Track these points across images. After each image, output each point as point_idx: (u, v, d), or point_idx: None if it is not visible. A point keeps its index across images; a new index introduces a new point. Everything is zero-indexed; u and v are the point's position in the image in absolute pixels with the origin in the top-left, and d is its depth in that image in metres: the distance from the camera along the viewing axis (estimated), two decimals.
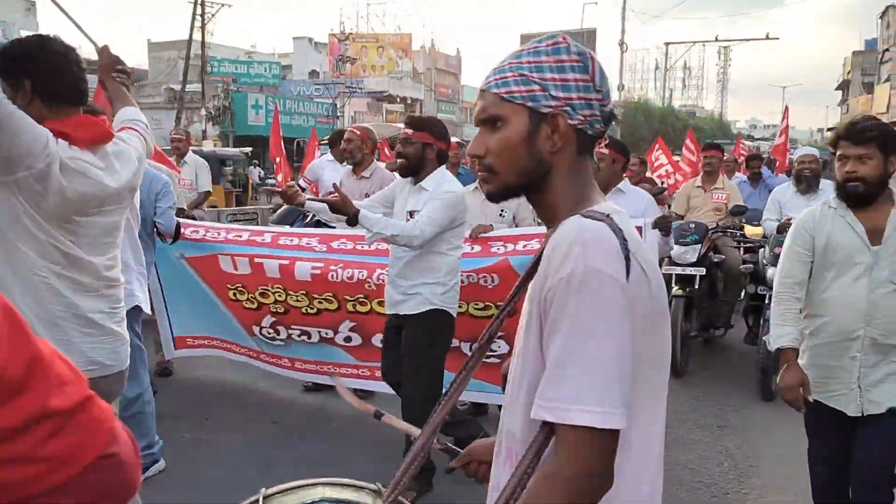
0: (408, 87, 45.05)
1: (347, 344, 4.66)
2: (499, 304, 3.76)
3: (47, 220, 2.20)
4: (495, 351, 4.22)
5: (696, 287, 6.08)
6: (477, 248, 4.41)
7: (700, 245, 6.10)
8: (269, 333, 4.86)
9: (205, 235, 5.00)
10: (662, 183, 10.75)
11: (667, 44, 55.16)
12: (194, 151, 7.78)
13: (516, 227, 4.76)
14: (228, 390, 5.35)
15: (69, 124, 2.25)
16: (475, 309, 4.34)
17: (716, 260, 6.36)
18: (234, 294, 4.88)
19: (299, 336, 4.77)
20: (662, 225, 4.06)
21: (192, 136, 27.53)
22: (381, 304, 4.32)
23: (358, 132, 5.52)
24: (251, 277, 4.79)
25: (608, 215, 1.20)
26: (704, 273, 6.08)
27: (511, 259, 4.25)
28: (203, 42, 30.50)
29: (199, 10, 29.64)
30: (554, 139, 1.25)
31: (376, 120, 39.68)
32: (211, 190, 7.46)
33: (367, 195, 5.16)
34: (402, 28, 56.11)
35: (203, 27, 30.19)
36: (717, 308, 6.53)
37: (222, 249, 4.90)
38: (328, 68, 45.37)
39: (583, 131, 1.27)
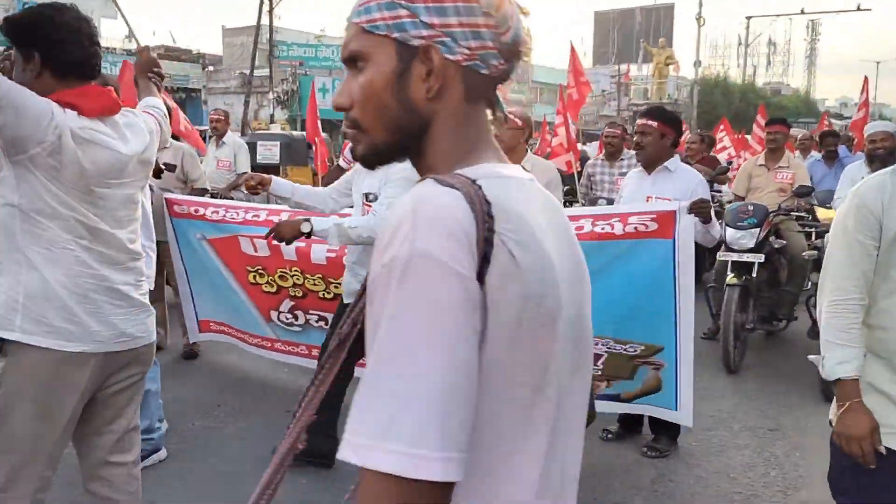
0: None
1: None
2: None
3: (68, 194, 2.19)
4: None
5: (754, 275, 5.57)
6: None
7: (759, 229, 5.57)
8: (288, 319, 4.67)
9: (224, 216, 4.80)
10: (730, 163, 10.11)
11: (748, 18, 52.72)
12: (282, 135, 7.58)
13: None
14: (249, 377, 5.18)
15: (73, 94, 2.21)
16: None
17: (777, 246, 5.81)
18: (255, 277, 4.69)
19: (317, 322, 4.58)
20: (701, 210, 3.57)
21: (262, 121, 28.03)
22: None
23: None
24: (271, 260, 4.60)
25: (475, 181, 0.87)
26: (763, 260, 5.57)
27: None
28: (271, 26, 30.81)
29: None
30: (430, 81, 0.94)
31: None
32: (249, 171, 7.30)
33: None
34: None
35: (271, 11, 30.46)
36: (778, 298, 5.98)
37: (241, 231, 4.70)
38: None
39: (472, 70, 0.95)
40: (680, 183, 3.95)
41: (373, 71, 0.95)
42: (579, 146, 10.81)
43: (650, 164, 4.03)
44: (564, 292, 0.91)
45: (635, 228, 3.66)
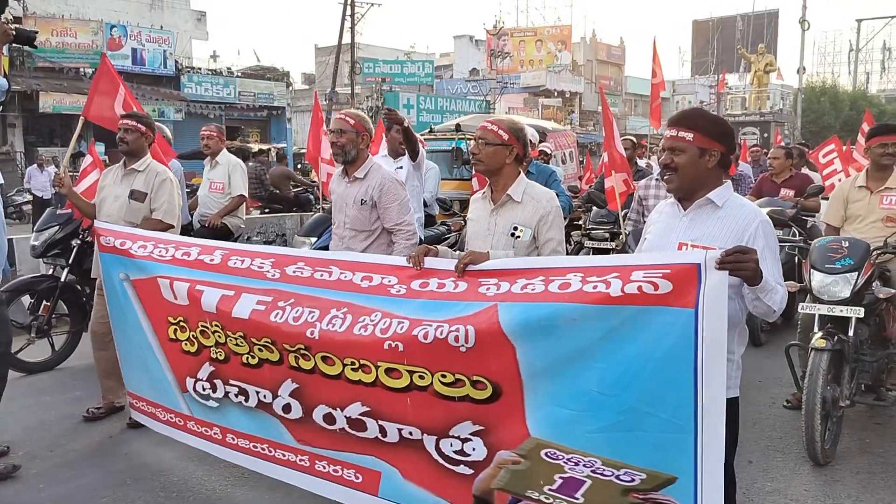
0: (566, 80, 43.02)
1: (286, 415, 3.27)
2: (474, 378, 2.71)
3: None
4: (467, 455, 2.77)
5: (851, 334, 4.16)
6: (462, 285, 2.91)
7: (857, 273, 4.16)
8: (205, 389, 3.59)
9: (152, 252, 3.82)
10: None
11: (859, 21, 48.76)
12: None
13: (537, 254, 3.22)
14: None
15: None
16: (441, 382, 2.78)
17: (882, 295, 4.35)
18: (175, 332, 3.67)
19: (236, 396, 3.47)
20: (740, 265, 2.26)
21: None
22: (325, 360, 3.05)
23: (351, 120, 4.02)
24: (190, 310, 3.57)
25: None
26: (864, 314, 4.15)
27: (501, 307, 2.68)
28: (352, 44, 30.63)
29: (349, 12, 29.72)
30: None
31: (532, 115, 38.30)
32: (245, 194, 6.42)
33: (362, 202, 3.94)
34: (562, 20, 53.81)
35: (353, 28, 30.27)
36: (886, 363, 4.51)
37: (164, 271, 3.70)
38: (486, 65, 44.54)
39: None
40: (730, 224, 2.57)
41: None
42: (642, 161, 9.44)
43: (685, 194, 2.68)
44: None
45: (639, 289, 2.39)
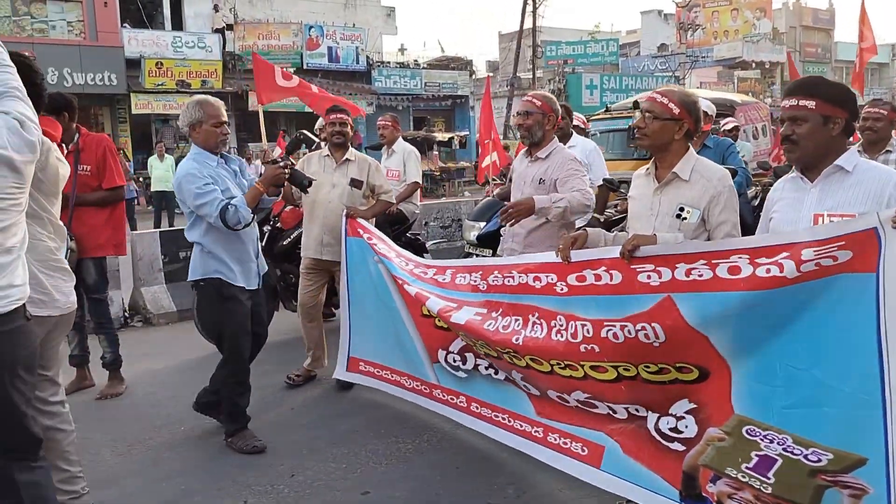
0: (765, 49, 39.90)
1: (528, 391, 3.50)
2: (678, 364, 2.73)
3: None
4: (681, 432, 2.79)
5: None
6: (617, 276, 2.84)
7: None
8: (455, 361, 3.92)
9: (393, 258, 4.36)
10: None
11: None
12: None
13: (706, 238, 2.99)
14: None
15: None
16: (646, 371, 2.83)
17: None
18: (427, 310, 4.00)
19: (486, 368, 3.75)
20: None
21: None
22: (534, 361, 3.23)
23: (538, 102, 4.10)
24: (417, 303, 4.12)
25: None
26: None
27: (677, 300, 2.65)
28: (534, 28, 30.46)
29: None
30: None
31: (726, 89, 36.01)
32: (419, 181, 6.61)
33: (540, 181, 4.02)
34: None
35: (535, 12, 30.09)
36: None
37: (406, 279, 4.17)
38: (676, 40, 42.44)
39: None
40: (865, 188, 2.47)
41: None
42: None
43: (812, 164, 2.57)
44: None
45: (816, 265, 2.30)
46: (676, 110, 2.97)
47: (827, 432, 2.31)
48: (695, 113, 3.02)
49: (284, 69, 6.83)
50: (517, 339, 3.26)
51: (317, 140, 4.19)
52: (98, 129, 24.56)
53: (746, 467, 2.48)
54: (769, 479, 2.42)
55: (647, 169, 3.16)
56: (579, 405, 3.18)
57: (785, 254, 2.36)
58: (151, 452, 4.09)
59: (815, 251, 2.28)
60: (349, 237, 4.64)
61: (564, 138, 5.61)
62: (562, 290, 3.09)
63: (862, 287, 2.21)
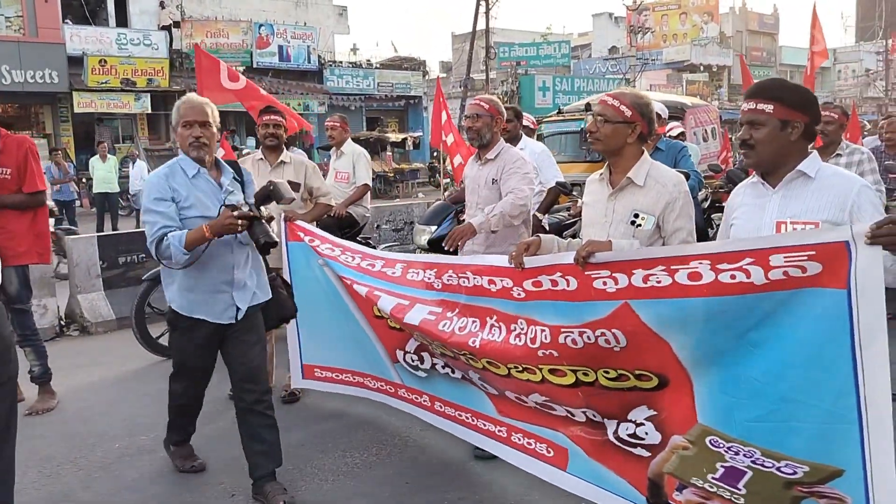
0: (713, 53, 40.77)
1: (486, 390, 3.44)
2: (637, 372, 2.67)
3: None
4: (642, 438, 2.73)
5: None
6: (573, 282, 2.75)
7: None
8: (413, 361, 3.85)
9: (338, 255, 4.19)
10: None
11: None
12: None
13: (661, 244, 2.90)
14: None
15: None
16: (605, 377, 2.76)
17: None
18: (378, 310, 3.88)
19: (443, 368, 3.68)
20: (893, 236, 2.04)
21: None
22: (490, 364, 3.19)
23: (486, 105, 4.17)
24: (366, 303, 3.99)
25: None
26: None
27: (635, 306, 2.58)
28: (487, 29, 30.51)
29: None
30: None
31: (675, 91, 36.64)
32: (369, 183, 6.44)
33: (493, 181, 4.06)
34: None
35: (487, 13, 30.13)
36: None
37: (347, 274, 4.05)
38: (626, 43, 43.02)
39: None
40: (828, 194, 2.40)
41: None
42: None
43: (771, 170, 2.52)
44: None
45: (785, 273, 2.21)
46: (629, 113, 2.88)
47: (799, 446, 2.25)
48: (648, 115, 2.93)
49: (233, 68, 6.45)
50: (474, 342, 3.18)
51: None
52: (39, 129, 23.74)
53: (713, 478, 2.43)
54: (740, 489, 2.37)
55: (601, 174, 3.07)
56: (538, 406, 3.13)
57: (750, 259, 2.28)
58: (82, 473, 3.84)
59: (784, 258, 2.20)
60: (289, 242, 4.44)
61: (514, 140, 5.52)
62: (518, 294, 3.02)
63: (833, 304, 2.14)
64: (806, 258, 2.17)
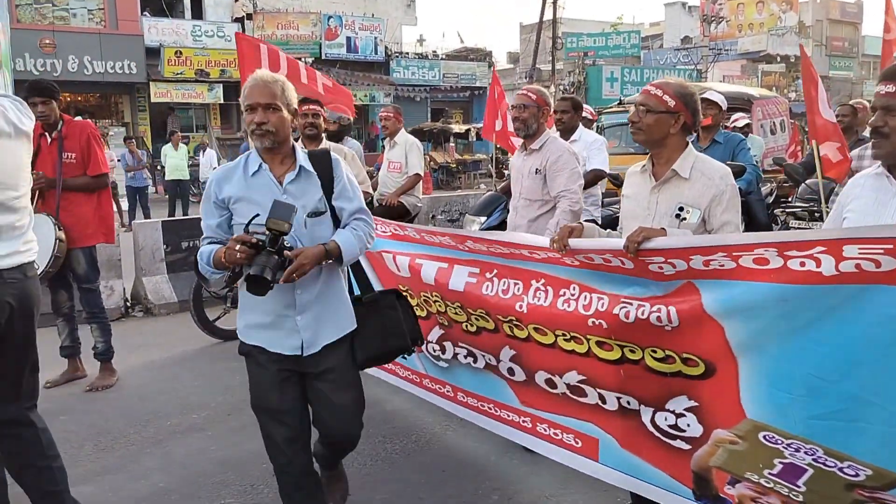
0: (791, 43, 39.17)
1: (511, 377, 3.38)
2: (685, 355, 2.57)
3: None
4: (683, 431, 2.66)
5: None
6: (628, 263, 2.69)
7: None
8: (436, 350, 3.82)
9: (378, 230, 4.07)
10: None
11: None
12: None
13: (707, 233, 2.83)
14: None
15: None
16: (652, 357, 2.68)
17: None
18: (407, 293, 3.86)
19: (465, 357, 3.64)
20: None
21: None
22: (538, 331, 3.08)
23: (533, 95, 4.20)
24: (413, 281, 3.84)
25: None
26: None
27: (700, 286, 2.50)
28: (554, 18, 30.16)
29: None
30: None
31: (750, 83, 35.48)
32: (421, 173, 6.47)
33: (536, 171, 4.10)
34: None
35: (555, 3, 29.79)
36: None
37: (385, 246, 4.02)
38: (699, 33, 41.85)
39: None
40: None
41: None
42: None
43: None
44: None
45: (857, 266, 2.09)
46: (672, 103, 2.79)
47: (864, 448, 2.15)
48: (692, 105, 2.84)
49: (278, 52, 6.38)
50: (520, 307, 3.12)
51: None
52: (118, 118, 24.73)
53: (770, 473, 2.36)
54: (799, 487, 2.29)
55: (643, 166, 2.97)
56: (567, 393, 3.05)
57: (822, 248, 2.15)
58: (134, 448, 4.01)
59: (859, 249, 2.07)
60: None
61: (570, 132, 5.47)
62: (572, 262, 2.92)
63: None
64: (882, 251, 2.02)
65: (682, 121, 2.81)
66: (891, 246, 2.01)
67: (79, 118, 5.57)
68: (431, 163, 24.22)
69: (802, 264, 2.19)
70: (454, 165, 25.25)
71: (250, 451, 3.90)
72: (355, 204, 2.81)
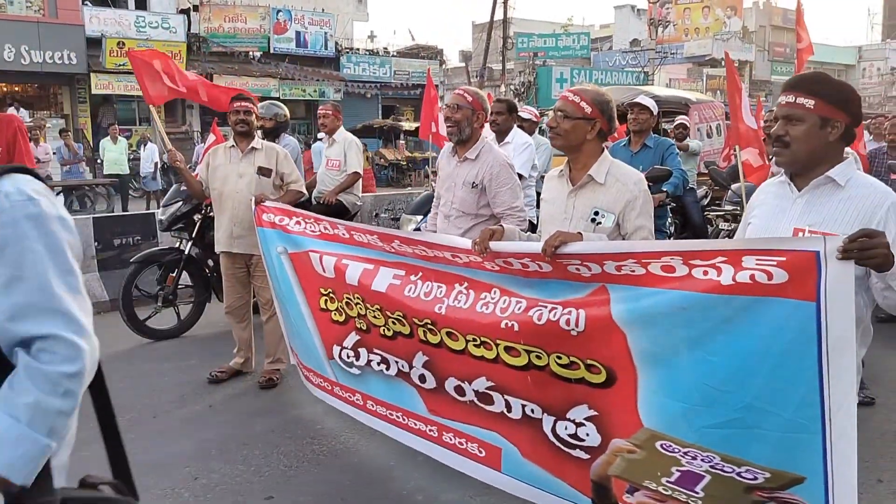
0: (735, 48, 40.13)
1: (422, 385, 3.35)
2: (588, 361, 2.62)
3: None
4: (582, 440, 2.71)
5: None
6: (546, 266, 2.72)
7: None
8: (349, 357, 3.75)
9: (305, 228, 4.03)
10: None
11: None
12: None
13: (621, 237, 2.90)
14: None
15: None
16: (557, 363, 2.71)
17: None
18: (326, 302, 3.84)
19: (378, 364, 3.59)
20: (866, 252, 1.89)
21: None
22: (450, 336, 3.08)
23: (469, 97, 3.94)
24: (336, 283, 3.74)
25: None
26: None
27: (609, 288, 2.55)
28: (505, 18, 30.34)
29: None
30: None
31: (695, 86, 36.30)
32: (360, 171, 6.44)
33: (472, 185, 3.85)
34: None
35: (506, 3, 29.97)
36: None
37: (315, 246, 3.91)
38: (647, 36, 42.57)
39: None
40: (855, 206, 2.21)
41: None
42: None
43: (801, 171, 2.33)
44: None
45: (751, 277, 2.14)
46: (588, 109, 2.88)
47: (761, 452, 2.21)
48: (608, 112, 2.93)
49: (174, 67, 5.96)
50: (440, 308, 3.11)
51: None
52: (57, 109, 23.98)
53: (668, 481, 2.40)
54: (697, 493, 2.33)
55: (561, 171, 3.06)
56: (475, 401, 3.06)
57: (723, 259, 2.21)
58: None
59: (756, 260, 2.12)
60: (259, 227, 4.36)
61: (504, 134, 5.52)
62: (493, 267, 2.94)
63: (801, 316, 2.06)
64: (775, 263, 2.09)
65: (599, 127, 2.90)
66: (783, 258, 2.07)
67: (12, 110, 5.36)
68: (381, 160, 24.14)
69: (705, 273, 2.26)
70: (404, 163, 25.20)
71: (172, 454, 3.85)
72: None
